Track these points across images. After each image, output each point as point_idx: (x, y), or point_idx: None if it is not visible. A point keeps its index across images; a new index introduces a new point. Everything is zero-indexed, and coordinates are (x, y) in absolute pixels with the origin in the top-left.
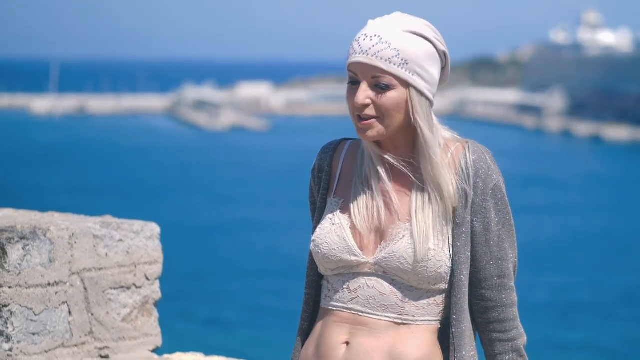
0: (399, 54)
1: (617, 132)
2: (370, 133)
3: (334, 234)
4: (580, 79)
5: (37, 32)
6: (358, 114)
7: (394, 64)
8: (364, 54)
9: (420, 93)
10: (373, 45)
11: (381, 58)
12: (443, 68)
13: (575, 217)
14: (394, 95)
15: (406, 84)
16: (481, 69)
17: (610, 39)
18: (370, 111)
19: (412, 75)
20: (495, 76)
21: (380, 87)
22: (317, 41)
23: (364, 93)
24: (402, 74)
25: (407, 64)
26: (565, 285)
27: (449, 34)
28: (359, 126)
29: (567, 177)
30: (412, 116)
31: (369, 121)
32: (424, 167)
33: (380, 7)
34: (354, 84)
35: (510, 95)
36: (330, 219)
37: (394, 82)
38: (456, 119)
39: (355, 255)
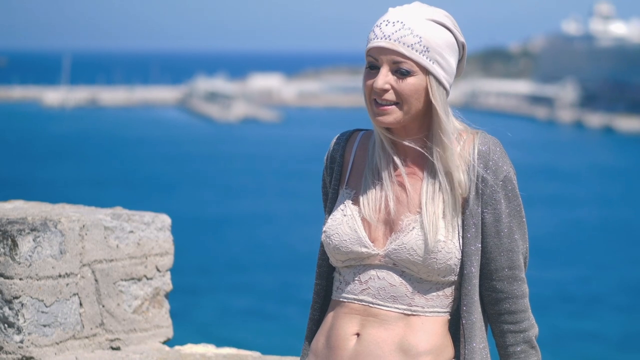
0: (421, 41)
1: (629, 123)
2: (386, 119)
3: (345, 225)
4: (592, 70)
5: (49, 24)
6: (375, 98)
7: (416, 51)
8: (386, 38)
9: (439, 82)
10: (396, 31)
11: (404, 43)
12: (460, 60)
13: (587, 208)
14: (414, 82)
15: (426, 72)
16: (493, 60)
17: (622, 29)
18: (390, 96)
19: (433, 63)
20: (507, 67)
21: (400, 73)
22: (329, 32)
23: (384, 78)
24: (424, 61)
25: (428, 51)
26: (577, 277)
27: (461, 24)
28: (375, 111)
29: (578, 168)
30: (432, 103)
31: (387, 107)
32: (437, 155)
33: None
34: (373, 68)
35: (522, 86)
36: (342, 210)
37: (415, 68)
38: (468, 110)
39: (366, 247)
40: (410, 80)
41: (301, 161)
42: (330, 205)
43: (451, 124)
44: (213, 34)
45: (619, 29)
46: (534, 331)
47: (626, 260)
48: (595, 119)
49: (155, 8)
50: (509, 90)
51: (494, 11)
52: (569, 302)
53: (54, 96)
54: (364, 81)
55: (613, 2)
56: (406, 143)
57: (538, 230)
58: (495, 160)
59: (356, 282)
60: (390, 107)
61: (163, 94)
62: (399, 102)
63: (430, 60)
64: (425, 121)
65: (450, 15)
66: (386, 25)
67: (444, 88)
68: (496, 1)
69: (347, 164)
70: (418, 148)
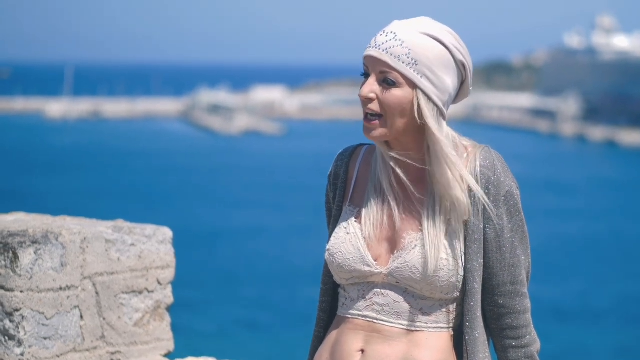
0: (409, 53)
1: (632, 137)
2: (373, 133)
3: (348, 243)
4: (595, 84)
5: (52, 36)
6: (363, 108)
7: (402, 62)
8: (376, 48)
9: (428, 97)
10: (386, 41)
11: (391, 54)
12: (463, 82)
13: (590, 222)
14: (399, 94)
15: (413, 85)
16: (496, 73)
17: (625, 43)
18: (375, 106)
19: (421, 77)
20: (509, 80)
21: (386, 83)
22: (332, 45)
23: (370, 87)
24: (409, 73)
25: (416, 64)
26: (576, 291)
27: (464, 37)
28: (364, 124)
29: (581, 181)
30: (418, 119)
31: (373, 122)
32: (435, 173)
33: (395, 11)
34: (365, 77)
35: (525, 100)
36: (345, 228)
37: (401, 80)
38: (470, 123)
39: (369, 266)
40: (394, 91)
41: (303, 174)
42: (333, 222)
43: (447, 140)
44: (215, 46)
45: (621, 42)
46: (536, 346)
47: (629, 274)
48: (597, 133)
49: (157, 20)
50: (511, 103)
51: (496, 24)
52: (568, 317)
53: (56, 108)
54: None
55: (615, 15)
56: (406, 160)
57: (539, 243)
58: (497, 175)
59: (361, 299)
60: (375, 121)
61: (165, 106)
62: (382, 115)
63: (418, 73)
64: (423, 138)
65: (454, 33)
66: (380, 35)
67: (435, 104)
68: (499, 14)
69: (351, 180)
70: (416, 163)
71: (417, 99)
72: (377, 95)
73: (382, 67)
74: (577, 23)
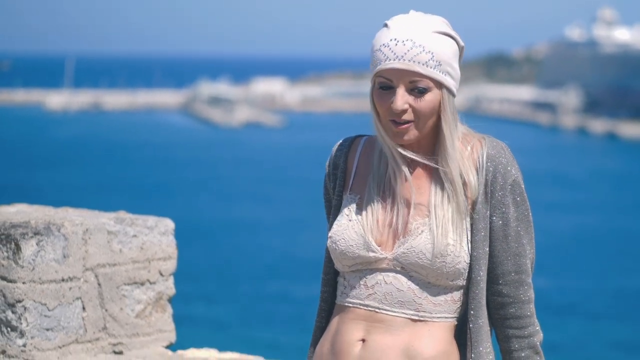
0: (433, 57)
1: (632, 129)
2: (407, 137)
3: (351, 230)
4: (596, 76)
5: (52, 28)
6: (393, 119)
7: (431, 67)
8: (399, 59)
9: (450, 91)
10: (408, 50)
11: (418, 62)
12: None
13: (590, 215)
14: (431, 98)
15: (440, 85)
16: (496, 66)
17: (626, 35)
18: (409, 116)
19: (445, 75)
20: (510, 73)
21: (417, 91)
22: (332, 37)
23: (403, 98)
24: (439, 76)
25: (440, 65)
26: (578, 284)
27: (465, 30)
28: (394, 131)
29: (581, 174)
30: (441, 115)
31: (405, 125)
32: (444, 162)
33: (395, 4)
34: (385, 88)
35: (526, 92)
36: (347, 215)
37: (431, 84)
38: (471, 116)
39: (373, 251)
40: (427, 97)
41: (304, 166)
42: (334, 211)
43: (458, 131)
44: (216, 38)
45: (622, 34)
46: (539, 337)
47: (629, 268)
48: (598, 125)
49: (158, 12)
50: (512, 96)
51: (497, 17)
52: (565, 311)
53: (57, 100)
54: (376, 101)
55: (616, 7)
56: (416, 158)
57: (538, 235)
58: (504, 164)
59: (362, 286)
60: (407, 125)
61: (166, 98)
62: (415, 120)
63: (442, 73)
64: (434, 129)
65: (446, 21)
66: (396, 44)
67: (453, 95)
68: (499, 7)
69: (351, 169)
70: (426, 162)
71: (442, 97)
72: (410, 104)
73: (411, 77)
74: (578, 15)
